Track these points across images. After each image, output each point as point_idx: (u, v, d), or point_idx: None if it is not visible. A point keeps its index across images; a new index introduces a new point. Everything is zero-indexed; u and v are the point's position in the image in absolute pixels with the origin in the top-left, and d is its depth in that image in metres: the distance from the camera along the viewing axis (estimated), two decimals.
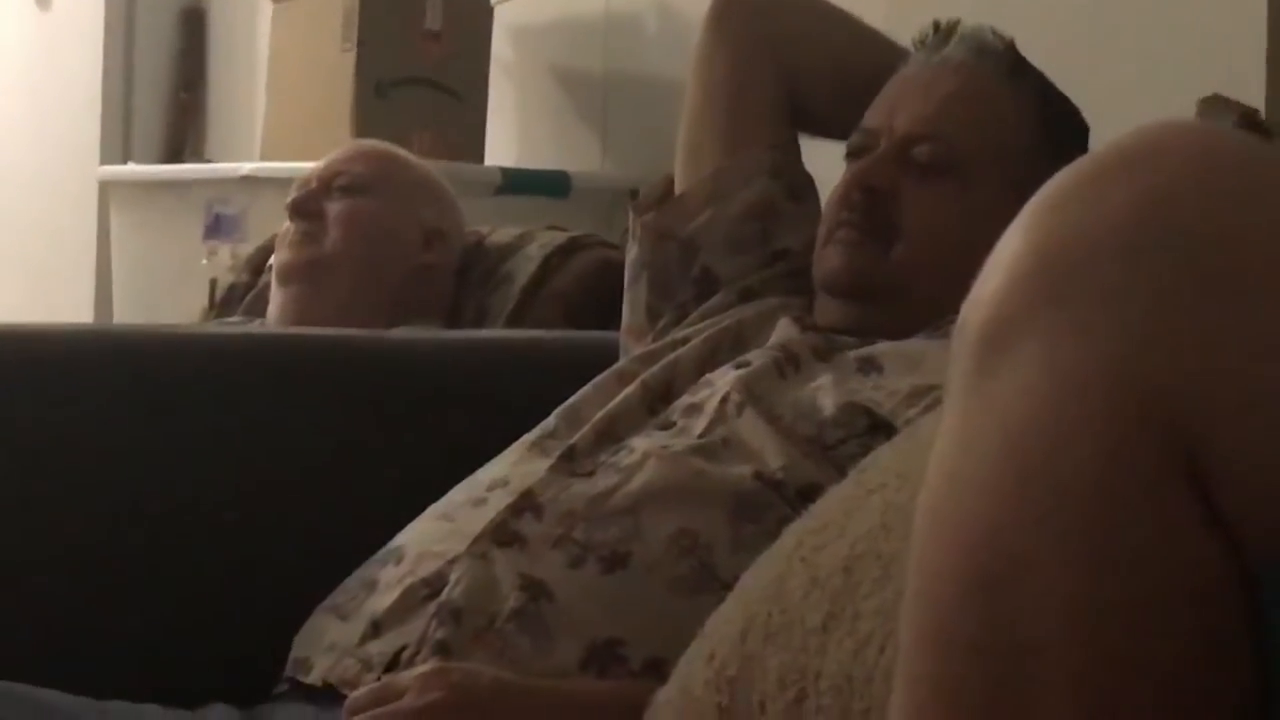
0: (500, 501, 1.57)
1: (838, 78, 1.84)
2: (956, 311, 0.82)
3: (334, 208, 2.32)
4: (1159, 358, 0.74)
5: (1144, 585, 0.74)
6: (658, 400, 1.67)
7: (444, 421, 1.88)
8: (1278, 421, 0.73)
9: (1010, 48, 1.74)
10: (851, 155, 1.73)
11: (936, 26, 1.77)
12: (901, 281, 1.67)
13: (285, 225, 2.37)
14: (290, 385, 1.88)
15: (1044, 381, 0.76)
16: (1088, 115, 1.75)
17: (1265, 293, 0.73)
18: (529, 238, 2.45)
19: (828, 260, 1.71)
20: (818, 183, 1.85)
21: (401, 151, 2.45)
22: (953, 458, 0.80)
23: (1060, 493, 0.75)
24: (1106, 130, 1.66)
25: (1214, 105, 1.25)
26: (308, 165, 2.43)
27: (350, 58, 3.03)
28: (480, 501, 1.60)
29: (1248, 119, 1.29)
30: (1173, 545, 0.74)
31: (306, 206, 2.33)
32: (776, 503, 1.50)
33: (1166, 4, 2.19)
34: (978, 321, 0.79)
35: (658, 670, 1.35)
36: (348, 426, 1.86)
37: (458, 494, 1.65)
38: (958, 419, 0.80)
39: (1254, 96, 2.06)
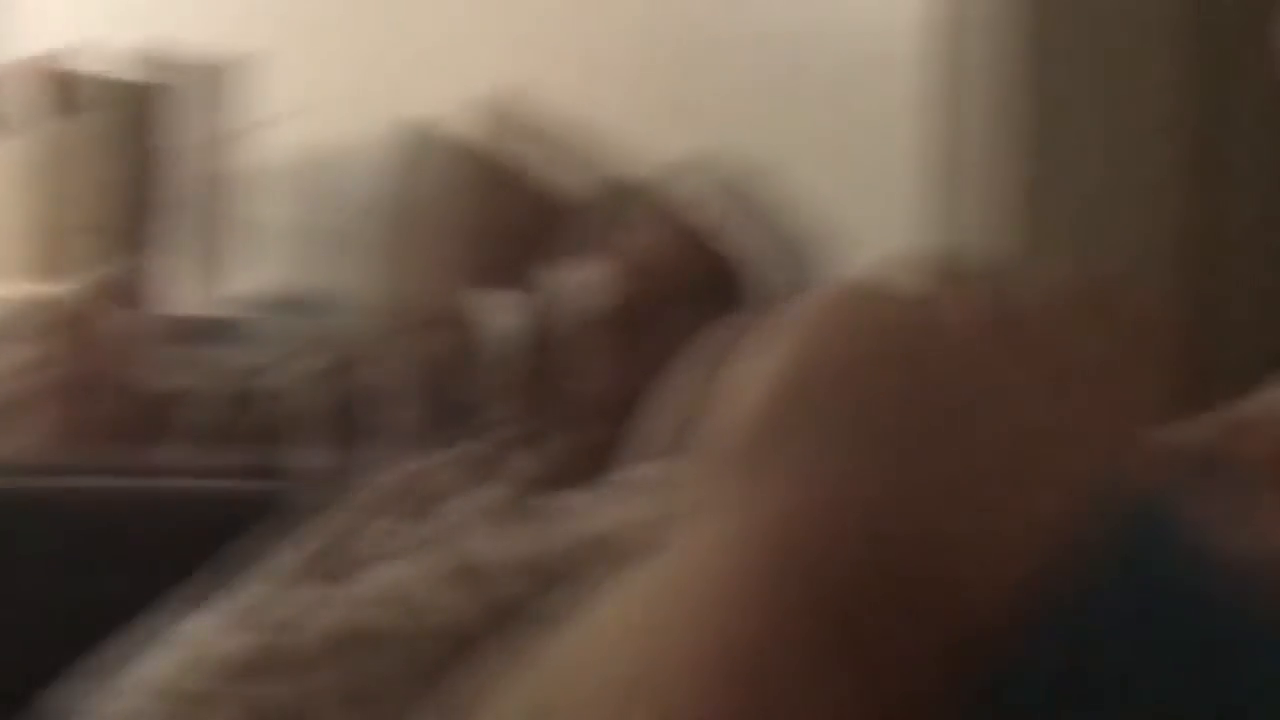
0: None
1: None
2: None
3: None
4: (884, 492, 0.75)
5: (875, 706, 0.74)
6: (409, 524, 1.65)
7: None
8: (992, 553, 0.75)
9: (738, 176, 1.77)
10: (584, 285, 1.74)
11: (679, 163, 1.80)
12: (638, 409, 1.67)
13: None
14: None
15: (780, 500, 0.76)
16: None
17: (928, 453, 0.76)
18: None
19: (564, 388, 1.71)
20: None
21: None
22: (684, 573, 0.77)
23: (787, 600, 0.75)
24: None
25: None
26: None
27: None
28: None
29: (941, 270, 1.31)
30: (889, 654, 0.74)
31: None
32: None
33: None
34: (716, 442, 0.78)
35: None
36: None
37: None
38: (691, 537, 0.77)
39: None
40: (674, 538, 0.82)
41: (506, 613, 1.52)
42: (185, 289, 3.21)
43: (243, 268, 3.25)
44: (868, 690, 0.74)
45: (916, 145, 2.22)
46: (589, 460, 1.68)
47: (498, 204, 1.86)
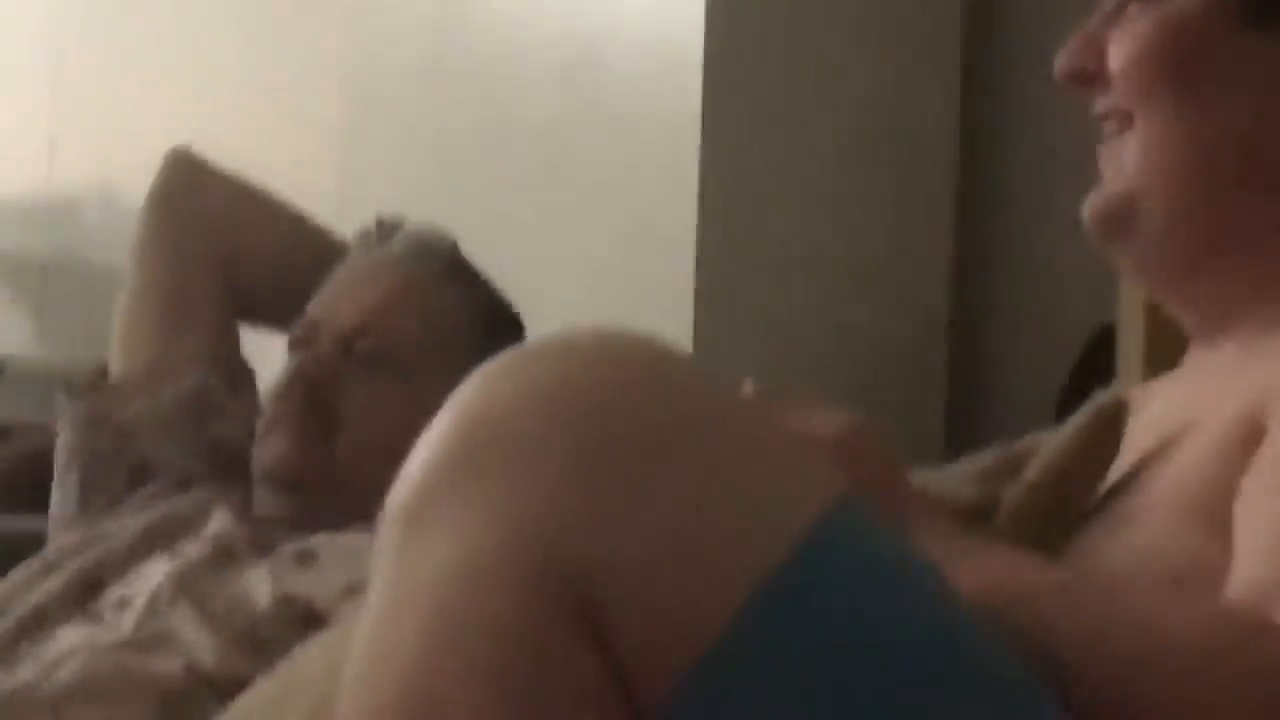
0: None
1: (279, 269, 1.85)
2: None
3: None
4: (564, 521, 0.80)
5: None
6: (87, 590, 1.62)
7: None
8: (663, 582, 0.79)
9: (453, 248, 1.78)
10: (293, 347, 1.73)
11: (381, 223, 1.79)
12: (342, 473, 1.67)
13: None
14: None
15: (461, 545, 0.81)
16: (526, 316, 1.80)
17: (655, 469, 0.81)
18: None
19: (267, 451, 1.70)
20: (260, 372, 1.85)
21: None
22: (375, 631, 0.83)
23: (467, 656, 0.80)
24: (543, 331, 1.72)
25: None
26: None
27: None
28: None
29: None
30: (574, 690, 0.79)
31: None
32: (207, 698, 1.47)
33: (606, 216, 2.28)
34: (401, 496, 0.83)
35: None
36: None
37: None
38: (381, 591, 0.83)
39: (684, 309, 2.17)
40: (364, 600, 0.84)
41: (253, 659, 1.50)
42: None
43: None
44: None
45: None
46: (291, 523, 1.67)
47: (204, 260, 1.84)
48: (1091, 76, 1.14)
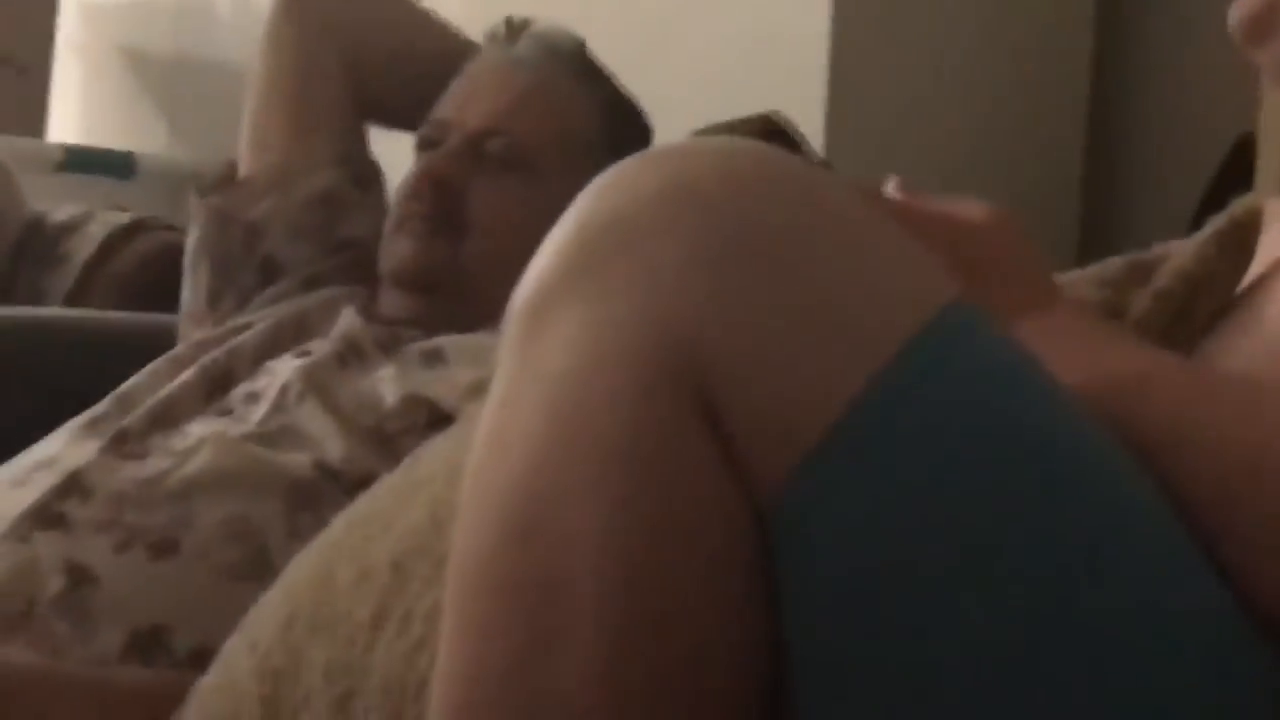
0: (45, 483, 1.52)
1: (407, 69, 1.85)
2: None
3: None
4: (680, 312, 0.81)
5: (665, 518, 0.80)
6: (216, 387, 1.64)
7: None
8: (778, 369, 0.80)
9: (581, 49, 1.76)
10: (422, 147, 1.73)
11: (509, 23, 1.78)
12: (469, 275, 1.67)
13: None
14: None
15: (580, 338, 0.82)
16: (653, 119, 1.78)
17: (772, 261, 0.82)
18: (90, 217, 2.40)
19: (395, 251, 1.70)
20: (387, 172, 1.85)
21: None
22: (497, 419, 0.85)
23: (590, 435, 0.81)
24: (670, 134, 1.71)
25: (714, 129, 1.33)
26: None
27: None
28: (22, 483, 1.54)
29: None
30: (692, 483, 0.80)
31: None
32: (334, 492, 1.49)
33: (731, 21, 2.25)
34: (525, 295, 0.84)
35: (204, 659, 1.32)
36: None
37: None
38: (502, 384, 0.85)
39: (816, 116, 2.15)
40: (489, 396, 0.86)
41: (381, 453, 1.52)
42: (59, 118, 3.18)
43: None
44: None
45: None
46: (409, 324, 1.68)
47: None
48: None
